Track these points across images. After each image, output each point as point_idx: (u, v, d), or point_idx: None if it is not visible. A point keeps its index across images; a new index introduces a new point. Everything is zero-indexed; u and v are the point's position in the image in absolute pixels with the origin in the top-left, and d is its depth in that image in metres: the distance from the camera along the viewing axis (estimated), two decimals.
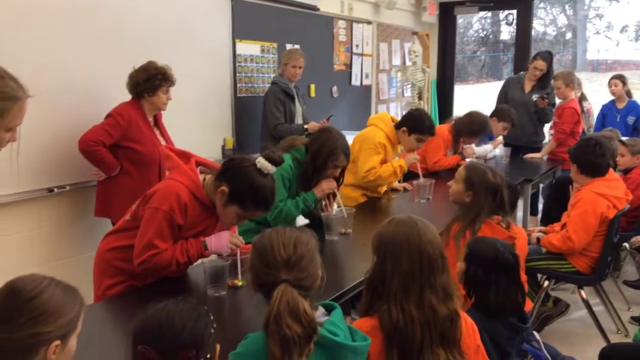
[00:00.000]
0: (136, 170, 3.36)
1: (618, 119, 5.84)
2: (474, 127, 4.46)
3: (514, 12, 7.86)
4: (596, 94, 7.39)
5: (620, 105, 5.91)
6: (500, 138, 5.08)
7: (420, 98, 6.79)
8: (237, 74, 4.68)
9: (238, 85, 4.70)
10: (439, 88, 7.90)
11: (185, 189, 2.17)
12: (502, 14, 19.70)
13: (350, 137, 3.65)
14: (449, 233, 2.63)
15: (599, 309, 3.60)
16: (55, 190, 3.35)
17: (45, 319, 1.23)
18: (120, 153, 3.33)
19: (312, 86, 5.56)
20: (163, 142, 3.46)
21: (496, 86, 6.92)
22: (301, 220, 3.08)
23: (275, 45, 5.05)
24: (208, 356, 1.29)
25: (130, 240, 2.19)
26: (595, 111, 6.18)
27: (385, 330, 1.60)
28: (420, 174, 3.75)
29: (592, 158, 3.32)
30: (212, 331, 1.31)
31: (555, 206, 4.22)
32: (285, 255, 1.44)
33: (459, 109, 5.07)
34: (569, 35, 21.89)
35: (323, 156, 2.86)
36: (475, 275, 1.99)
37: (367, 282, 1.71)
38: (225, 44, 4.55)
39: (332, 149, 2.86)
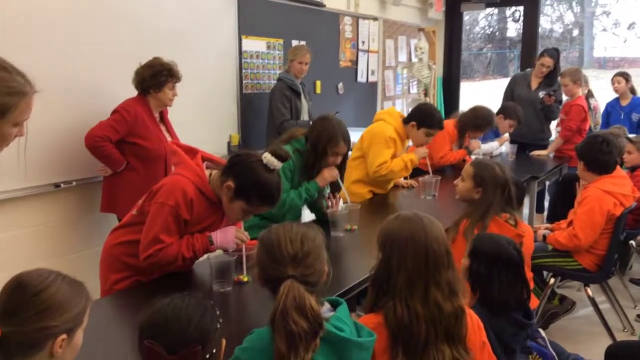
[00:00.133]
0: (142, 166, 3.37)
1: (622, 116, 5.79)
2: (478, 121, 4.43)
3: (521, 8, 7.82)
4: (603, 91, 7.32)
5: (624, 103, 5.87)
6: (507, 135, 5.06)
7: (426, 95, 6.77)
8: (243, 71, 4.68)
9: (244, 82, 4.69)
10: (445, 85, 7.87)
11: (191, 184, 2.17)
12: (508, 11, 19.66)
13: (356, 134, 3.64)
14: (456, 229, 2.62)
15: (605, 306, 3.59)
16: (62, 185, 3.37)
17: (52, 313, 1.24)
18: (126, 149, 3.34)
19: (318, 82, 5.55)
20: (169, 138, 3.47)
21: (502, 83, 6.90)
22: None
23: (281, 41, 5.04)
24: (214, 351, 1.29)
25: (136, 235, 2.20)
26: (601, 109, 6.15)
27: (390, 326, 1.60)
28: (430, 170, 3.75)
29: (599, 155, 3.31)
30: (218, 326, 1.31)
31: (562, 204, 4.20)
32: (292, 251, 1.44)
33: (465, 106, 5.04)
34: (575, 32, 21.83)
35: (323, 143, 2.86)
36: (479, 271, 1.99)
37: (372, 279, 1.70)
38: (231, 40, 4.55)
39: (332, 136, 2.85)
